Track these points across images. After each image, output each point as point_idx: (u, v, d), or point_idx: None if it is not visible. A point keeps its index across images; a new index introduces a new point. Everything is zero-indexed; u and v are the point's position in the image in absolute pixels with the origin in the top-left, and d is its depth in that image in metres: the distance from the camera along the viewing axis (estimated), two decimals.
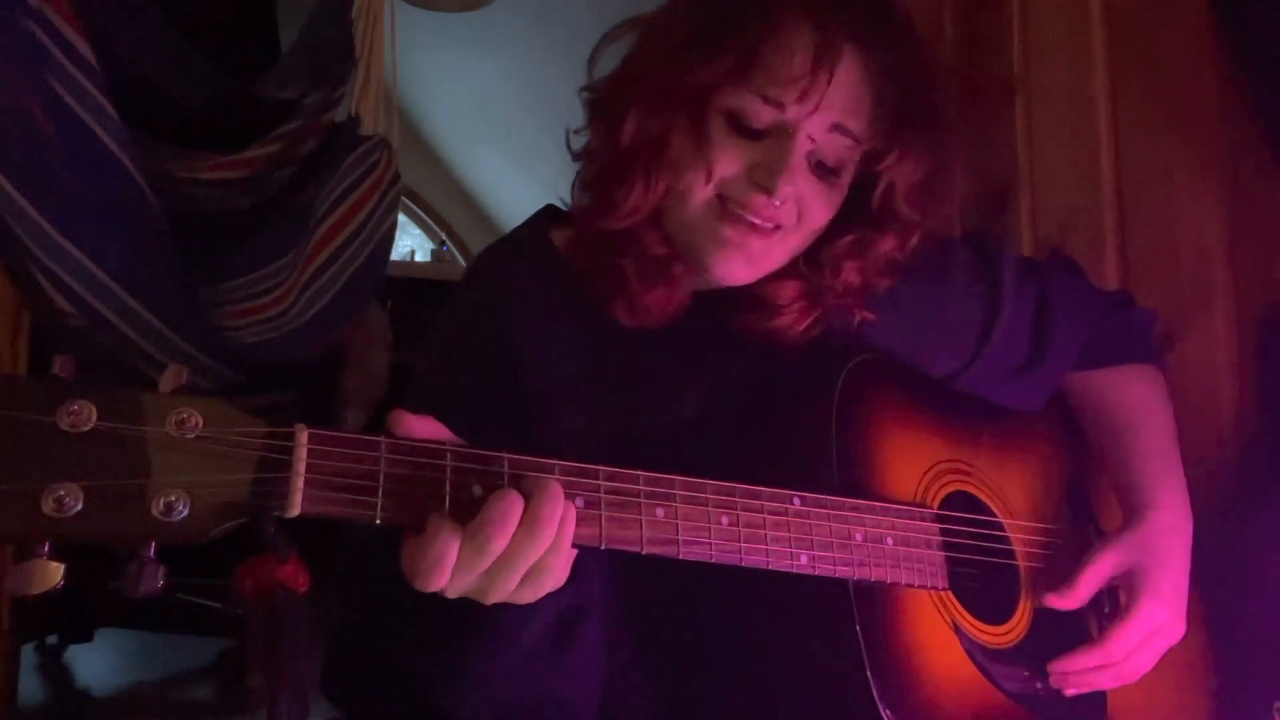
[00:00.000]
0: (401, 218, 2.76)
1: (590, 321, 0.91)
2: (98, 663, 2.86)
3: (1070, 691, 0.89)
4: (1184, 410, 1.28)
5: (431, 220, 5.16)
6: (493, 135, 4.37)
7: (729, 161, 0.84)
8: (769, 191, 0.82)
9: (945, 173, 0.91)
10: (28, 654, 2.69)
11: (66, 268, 1.60)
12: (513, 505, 0.61)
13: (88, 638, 2.80)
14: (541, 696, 0.76)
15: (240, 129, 2.00)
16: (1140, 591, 0.89)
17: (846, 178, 0.88)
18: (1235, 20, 1.27)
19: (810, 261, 0.91)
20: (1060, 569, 0.93)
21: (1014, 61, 1.58)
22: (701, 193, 0.85)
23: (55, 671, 2.82)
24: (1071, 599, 0.91)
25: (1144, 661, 0.90)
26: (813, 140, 0.84)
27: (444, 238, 5.12)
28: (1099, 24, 1.45)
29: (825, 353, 0.92)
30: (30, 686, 2.58)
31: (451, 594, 0.62)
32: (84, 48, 1.59)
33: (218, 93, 1.96)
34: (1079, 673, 0.89)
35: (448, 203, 5.10)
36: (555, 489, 0.63)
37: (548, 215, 1.00)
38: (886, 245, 0.90)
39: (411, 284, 2.67)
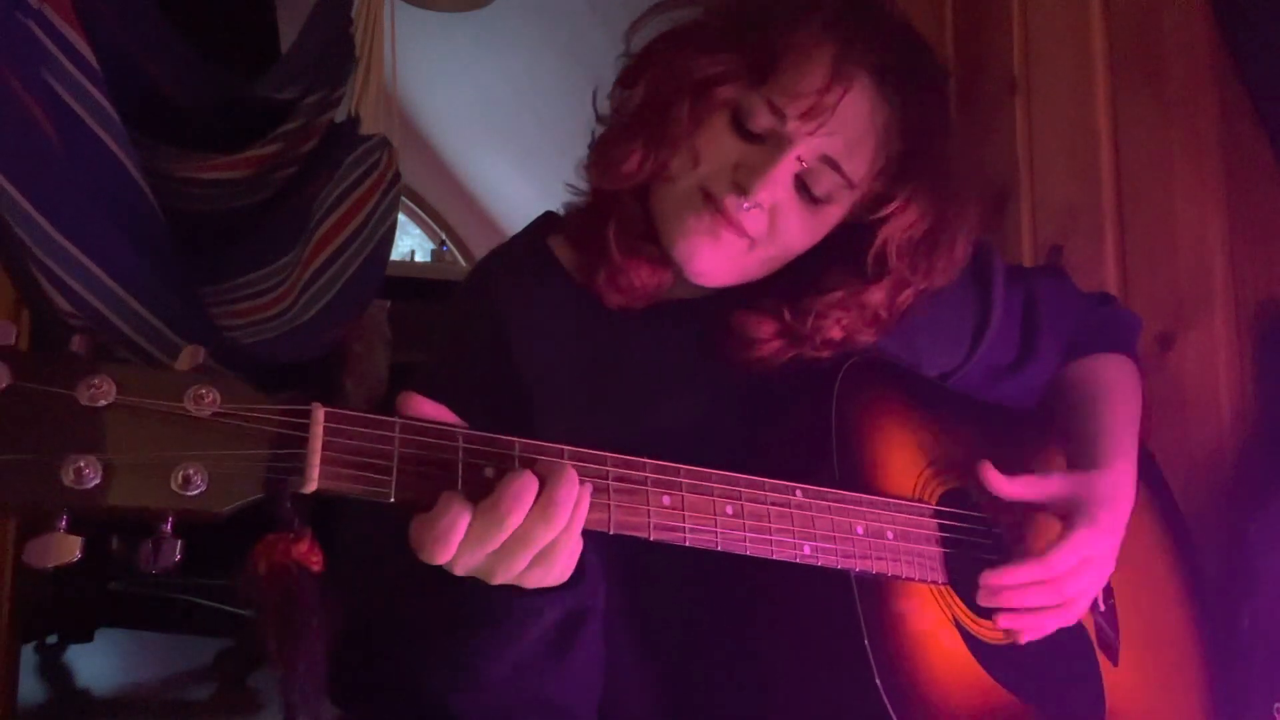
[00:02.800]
0: (401, 218, 2.76)
1: (587, 326, 0.91)
2: (98, 663, 2.86)
3: (1003, 623, 0.85)
4: (1184, 410, 1.29)
5: (431, 220, 5.16)
6: (493, 135, 4.37)
7: (718, 154, 0.85)
8: (745, 192, 0.83)
9: (947, 231, 0.90)
10: (28, 654, 2.70)
11: (66, 268, 1.60)
12: (528, 484, 0.61)
13: (88, 638, 2.80)
14: (541, 701, 0.75)
15: (240, 129, 2.00)
16: (1077, 520, 0.87)
17: (834, 212, 0.88)
18: (1235, 20, 1.27)
19: (795, 307, 0.90)
20: None
21: (1014, 61, 1.58)
22: (686, 179, 0.86)
23: (55, 671, 2.82)
24: (1007, 487, 0.89)
25: (1080, 587, 0.87)
26: (802, 162, 0.84)
27: (444, 238, 5.12)
28: (1099, 24, 1.46)
29: None
30: (30, 686, 2.58)
31: (459, 570, 0.63)
32: (84, 48, 1.59)
33: (217, 93, 1.97)
34: (1013, 587, 0.84)
35: (448, 203, 5.10)
36: (571, 473, 0.63)
37: (546, 222, 1.00)
38: (875, 298, 0.90)
39: (411, 284, 2.67)
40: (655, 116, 0.87)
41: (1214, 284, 1.29)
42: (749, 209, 0.84)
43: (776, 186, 0.83)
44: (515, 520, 0.61)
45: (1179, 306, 1.32)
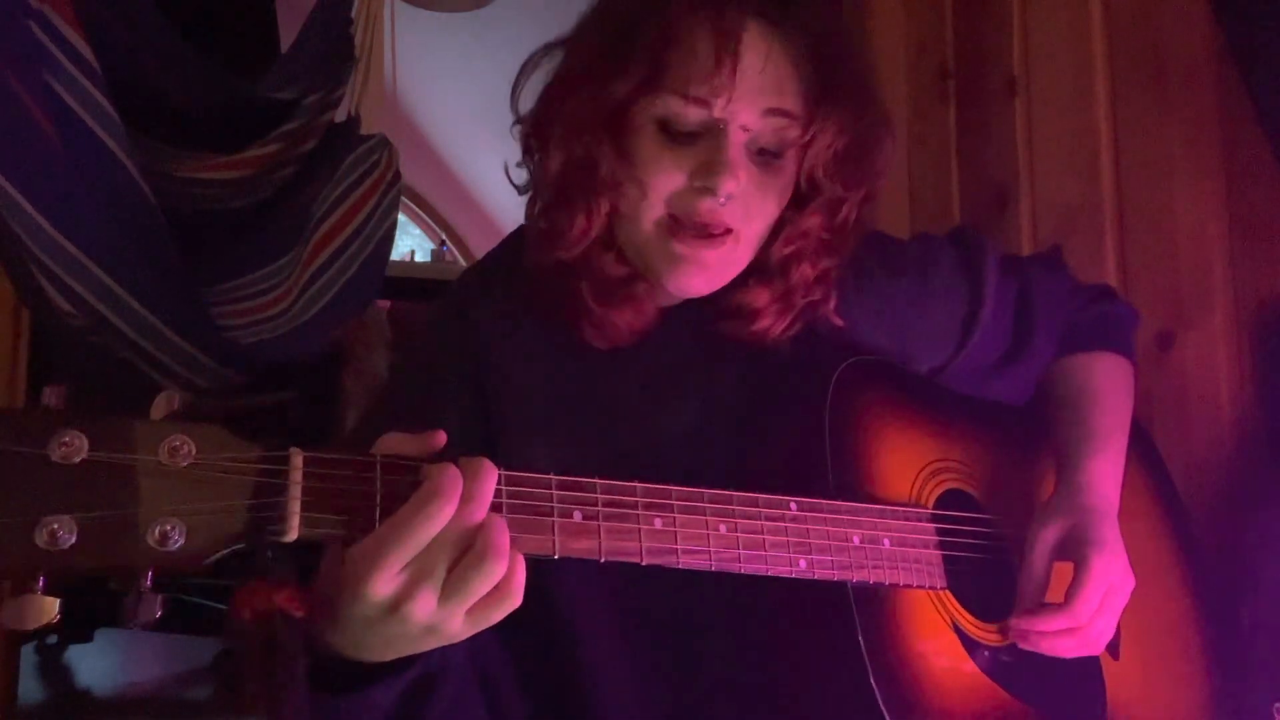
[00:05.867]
0: (401, 218, 2.76)
1: (568, 345, 0.90)
2: (98, 663, 2.86)
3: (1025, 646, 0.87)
4: (1184, 410, 1.29)
5: (431, 220, 5.16)
6: (493, 135, 4.35)
7: (669, 174, 0.82)
8: (713, 193, 0.81)
9: (868, 142, 0.88)
10: (28, 654, 2.70)
11: (66, 268, 1.60)
12: (455, 476, 0.60)
13: (88, 638, 2.80)
14: None
15: (240, 129, 2.00)
16: (1088, 550, 0.87)
17: (790, 163, 0.86)
18: (1235, 19, 1.27)
19: (764, 270, 0.89)
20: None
21: (1014, 61, 1.58)
22: (650, 212, 0.84)
23: (55, 671, 2.82)
24: (1037, 609, 0.87)
25: (1107, 625, 0.87)
26: (747, 130, 0.82)
27: (444, 238, 5.11)
28: (1099, 24, 1.46)
29: (814, 357, 0.92)
30: (30, 686, 2.58)
31: (420, 610, 0.59)
32: (84, 48, 1.59)
33: (218, 93, 1.97)
34: (1042, 634, 0.85)
35: (448, 203, 5.10)
36: (488, 464, 0.62)
37: (522, 237, 0.97)
38: (813, 223, 0.88)
39: (411, 284, 2.67)
40: (582, 170, 0.84)
41: (1214, 284, 1.29)
42: (725, 203, 0.82)
43: (738, 168, 0.82)
44: (448, 513, 0.59)
45: (1179, 306, 1.32)
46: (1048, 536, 0.90)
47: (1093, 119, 1.44)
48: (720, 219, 0.83)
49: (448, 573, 0.60)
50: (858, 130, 0.86)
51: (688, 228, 0.83)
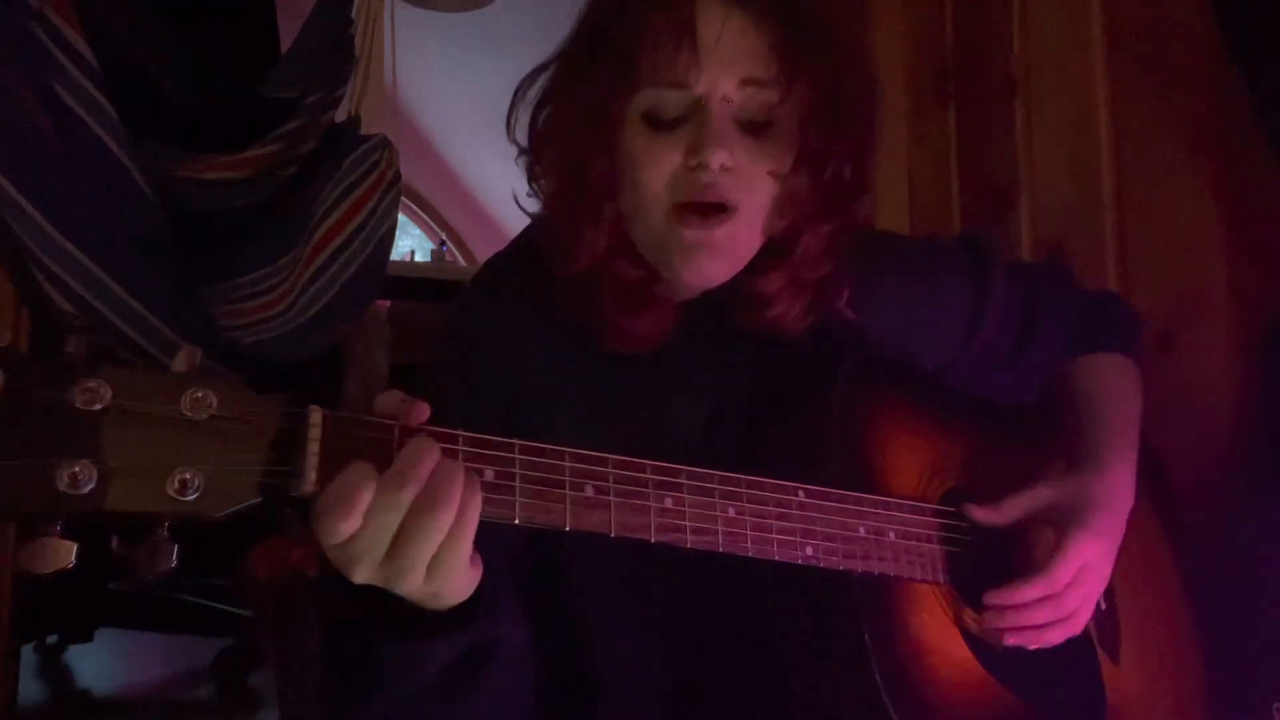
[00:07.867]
0: (401, 218, 2.76)
1: (585, 345, 0.90)
2: (98, 663, 2.86)
3: (1011, 641, 0.86)
4: (1184, 411, 1.29)
5: (431, 220, 5.16)
6: (493, 135, 4.35)
7: (662, 161, 0.83)
8: (706, 166, 0.81)
9: (842, 93, 0.87)
10: (28, 654, 2.70)
11: (66, 268, 1.60)
12: (431, 448, 0.60)
13: (88, 638, 2.80)
14: None
15: (240, 129, 2.00)
16: (1073, 526, 0.88)
17: (784, 132, 0.85)
18: (1235, 20, 1.27)
19: (770, 251, 0.90)
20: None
21: (1014, 61, 1.58)
22: (656, 205, 0.84)
23: (55, 671, 2.82)
24: (996, 516, 0.90)
25: (1081, 598, 0.88)
26: (728, 101, 0.83)
27: (444, 238, 5.12)
28: (1099, 24, 1.46)
29: (824, 353, 0.92)
30: (30, 686, 2.58)
31: (360, 572, 0.59)
32: (84, 48, 1.60)
33: (218, 92, 1.97)
34: (1018, 607, 0.86)
35: (448, 203, 5.10)
36: (428, 444, 0.61)
37: (535, 232, 0.97)
38: (799, 182, 0.87)
39: (411, 284, 2.67)
40: (578, 182, 0.85)
41: (1214, 284, 1.29)
42: (719, 175, 0.82)
43: (727, 138, 0.82)
44: (425, 471, 0.59)
45: (1179, 306, 1.32)
46: (1035, 495, 0.91)
47: (1093, 119, 1.44)
48: (718, 193, 0.83)
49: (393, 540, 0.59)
50: (829, 82, 0.86)
51: (691, 212, 0.84)
